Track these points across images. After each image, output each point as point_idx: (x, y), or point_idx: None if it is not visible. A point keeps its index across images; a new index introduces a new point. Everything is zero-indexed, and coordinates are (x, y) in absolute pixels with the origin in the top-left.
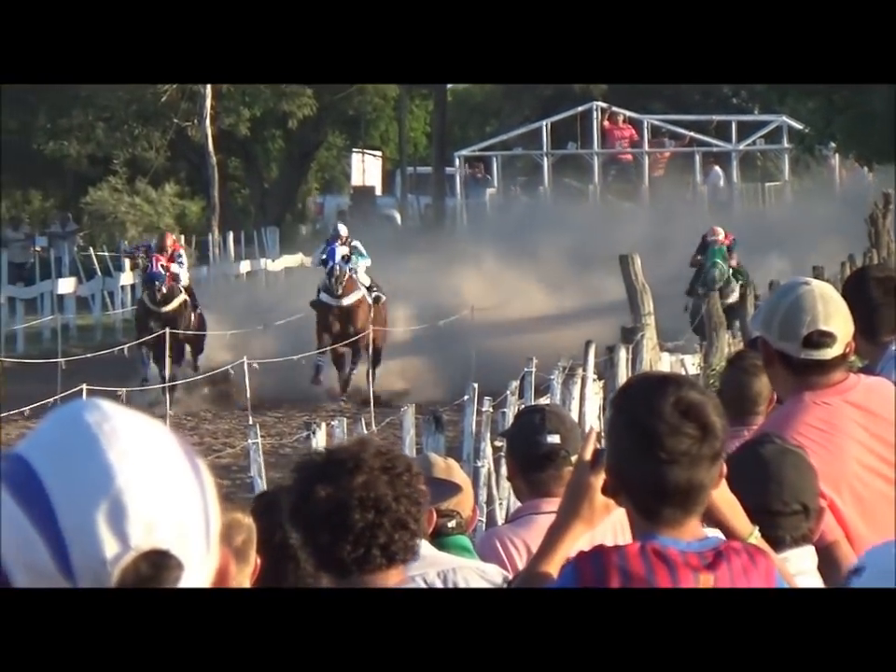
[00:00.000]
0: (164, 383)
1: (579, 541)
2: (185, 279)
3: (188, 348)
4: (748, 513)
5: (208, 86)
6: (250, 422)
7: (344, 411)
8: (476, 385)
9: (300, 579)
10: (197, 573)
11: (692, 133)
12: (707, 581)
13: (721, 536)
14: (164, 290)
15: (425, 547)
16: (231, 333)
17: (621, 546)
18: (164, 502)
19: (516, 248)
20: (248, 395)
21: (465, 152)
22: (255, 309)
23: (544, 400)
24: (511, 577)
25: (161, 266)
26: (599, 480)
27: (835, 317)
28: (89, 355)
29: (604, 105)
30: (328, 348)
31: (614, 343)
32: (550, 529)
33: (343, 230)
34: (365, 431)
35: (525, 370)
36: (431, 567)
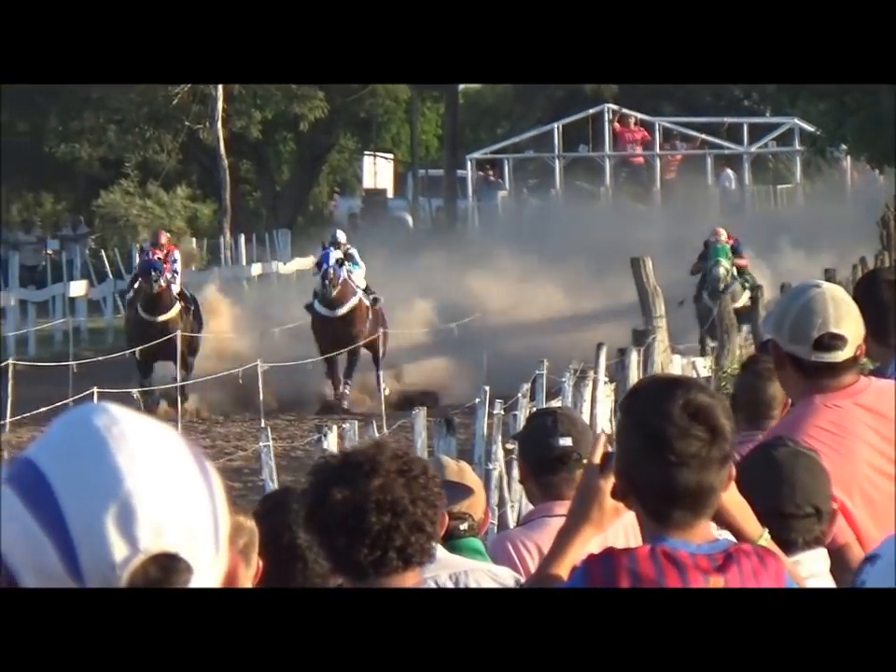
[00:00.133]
0: (175, 384)
1: (589, 544)
2: (176, 285)
3: (185, 352)
4: (760, 516)
5: (219, 89)
6: (262, 425)
7: (355, 414)
8: (487, 388)
9: (308, 579)
10: (206, 576)
11: (703, 136)
12: (717, 583)
13: (732, 538)
14: (161, 283)
15: (437, 549)
16: (242, 336)
17: (630, 549)
18: (173, 505)
19: (528, 251)
20: (261, 398)
21: (476, 155)
22: (266, 311)
23: (555, 403)
24: (523, 580)
25: (158, 259)
26: (608, 483)
27: (846, 320)
28: (100, 358)
29: (615, 107)
30: (329, 354)
31: (626, 346)
32: (559, 532)
33: (341, 236)
34: (376, 434)
35: (537, 372)
36: (443, 569)
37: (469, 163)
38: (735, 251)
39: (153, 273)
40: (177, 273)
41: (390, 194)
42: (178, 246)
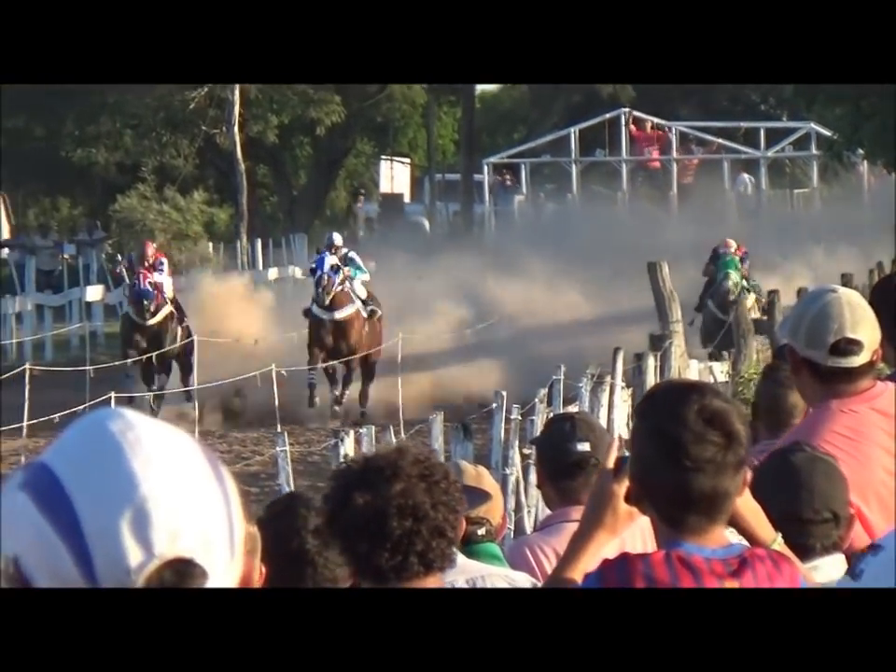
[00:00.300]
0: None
1: (603, 550)
2: (169, 290)
3: (175, 365)
4: (777, 521)
5: (236, 93)
6: (278, 430)
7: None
8: (504, 393)
9: (317, 584)
10: (221, 581)
11: (719, 140)
12: (731, 587)
13: (746, 543)
14: (153, 309)
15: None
16: (260, 340)
17: (645, 554)
18: (188, 510)
19: (545, 255)
20: (277, 402)
21: (493, 159)
22: (283, 316)
23: (573, 408)
24: (540, 585)
25: (150, 284)
26: (622, 488)
27: (862, 325)
28: (117, 363)
29: (633, 111)
30: (321, 364)
31: (643, 351)
32: (573, 538)
33: (336, 238)
34: (393, 439)
35: (554, 377)
36: (461, 574)
37: (485, 168)
38: (742, 262)
39: (145, 303)
40: (164, 272)
41: (407, 199)
42: (165, 253)
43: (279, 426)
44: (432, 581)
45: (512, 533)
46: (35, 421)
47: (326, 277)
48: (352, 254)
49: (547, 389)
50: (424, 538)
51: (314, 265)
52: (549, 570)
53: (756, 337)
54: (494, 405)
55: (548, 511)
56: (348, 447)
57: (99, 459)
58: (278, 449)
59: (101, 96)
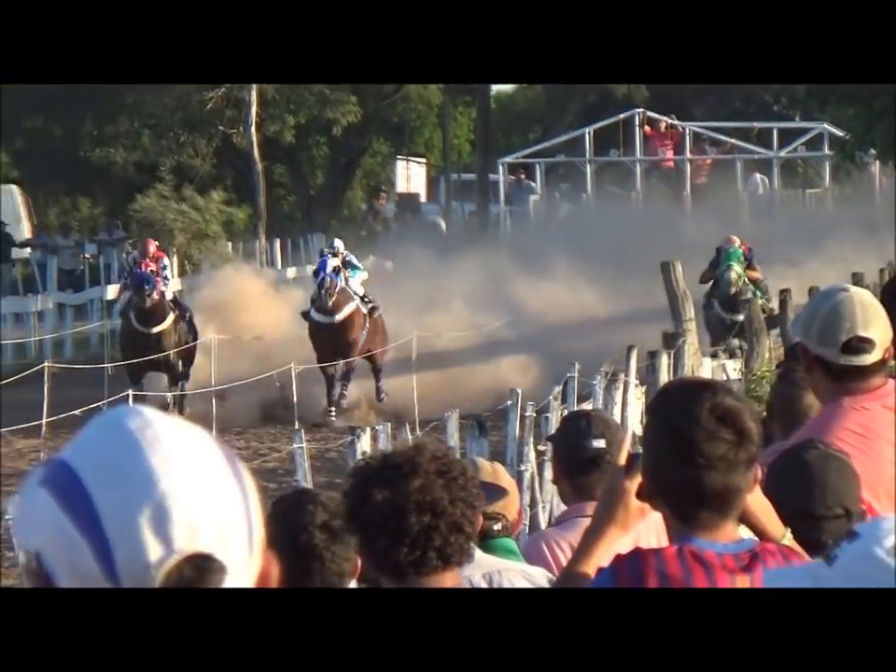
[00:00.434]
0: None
1: (615, 545)
2: (169, 292)
3: (179, 362)
4: (790, 517)
5: (253, 94)
6: (296, 426)
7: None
8: (519, 391)
9: (325, 579)
10: (239, 577)
11: (733, 140)
12: (743, 582)
13: (756, 538)
14: (155, 296)
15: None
16: (278, 338)
17: (658, 549)
18: (207, 506)
19: (560, 255)
20: (295, 400)
21: (508, 159)
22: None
23: (587, 405)
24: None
25: (151, 271)
26: (634, 484)
27: (874, 323)
28: (136, 360)
29: (647, 112)
30: (321, 364)
31: (656, 349)
32: (585, 534)
33: (339, 245)
34: (409, 436)
35: (568, 375)
36: (477, 568)
37: (501, 168)
38: (748, 261)
39: (146, 288)
40: (168, 279)
41: (423, 199)
42: (166, 252)
43: (296, 422)
44: (450, 576)
45: (528, 528)
46: (54, 418)
47: (328, 279)
48: (350, 256)
49: (561, 387)
50: (442, 533)
51: (316, 268)
52: (565, 564)
53: (769, 335)
54: (508, 402)
55: (563, 507)
56: (365, 444)
57: (118, 456)
58: (295, 446)
59: (119, 96)
